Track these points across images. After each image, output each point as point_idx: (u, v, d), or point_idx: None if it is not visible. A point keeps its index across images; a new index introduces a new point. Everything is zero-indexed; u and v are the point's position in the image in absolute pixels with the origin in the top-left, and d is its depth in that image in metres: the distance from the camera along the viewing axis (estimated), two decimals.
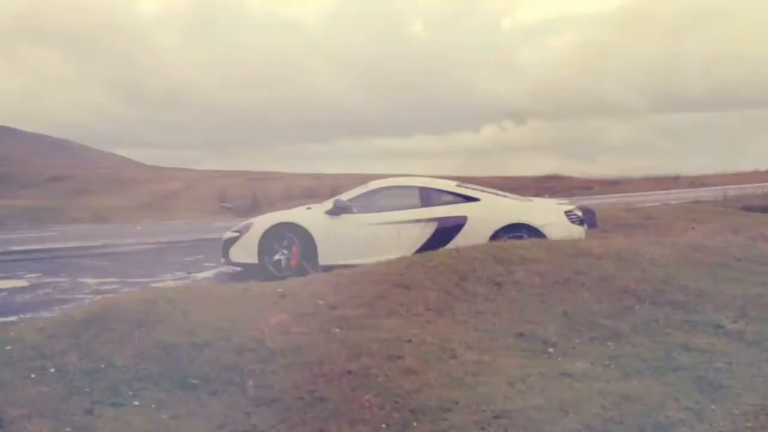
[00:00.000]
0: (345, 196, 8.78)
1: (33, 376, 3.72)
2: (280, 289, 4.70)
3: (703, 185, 29.04)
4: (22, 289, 8.15)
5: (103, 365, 3.80)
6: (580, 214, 8.65)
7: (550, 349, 4.19)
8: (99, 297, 7.45)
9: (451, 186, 8.79)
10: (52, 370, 3.76)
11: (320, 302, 4.53)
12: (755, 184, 22.00)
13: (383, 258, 8.05)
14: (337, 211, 8.41)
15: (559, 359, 4.05)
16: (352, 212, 8.42)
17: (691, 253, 6.10)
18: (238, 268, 8.88)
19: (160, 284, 8.28)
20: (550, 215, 8.24)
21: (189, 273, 9.29)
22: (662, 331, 4.49)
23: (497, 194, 8.95)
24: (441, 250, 6.00)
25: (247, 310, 4.34)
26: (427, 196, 8.51)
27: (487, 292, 4.95)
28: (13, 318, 6.33)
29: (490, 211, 8.21)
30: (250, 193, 24.69)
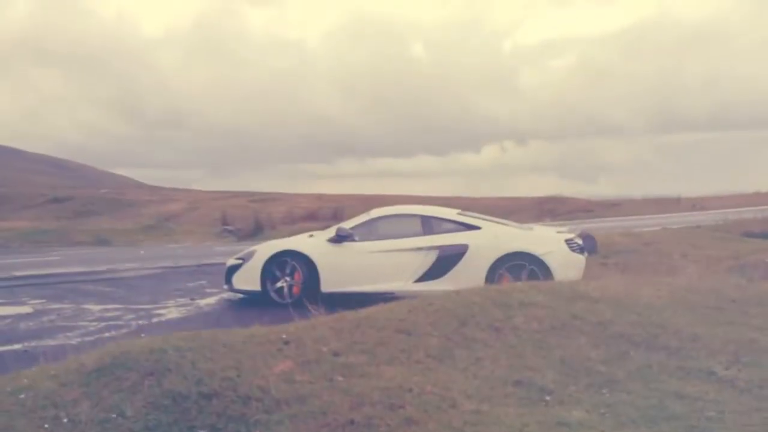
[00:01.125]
0: (347, 224, 8.93)
1: (46, 426, 3.81)
2: (284, 335, 4.82)
3: (704, 207, 29.15)
4: (27, 316, 8.27)
5: (114, 415, 3.89)
6: (580, 242, 8.79)
7: (547, 397, 4.29)
8: (103, 324, 7.57)
9: (452, 214, 8.94)
10: (65, 420, 3.85)
11: (323, 349, 4.64)
12: (756, 208, 22.10)
13: (385, 286, 8.19)
14: (339, 239, 8.55)
15: (555, 407, 4.14)
16: (354, 240, 8.56)
17: (686, 295, 6.21)
18: (241, 295, 9.00)
19: (163, 311, 8.42)
20: (550, 244, 8.38)
21: (192, 299, 9.42)
22: (656, 377, 4.59)
23: (498, 222, 9.09)
24: (441, 293, 6.12)
25: (252, 358, 4.46)
26: (429, 224, 8.66)
27: (486, 337, 5.06)
28: (17, 346, 6.45)
29: (491, 240, 8.35)
30: (251, 215, 24.81)
